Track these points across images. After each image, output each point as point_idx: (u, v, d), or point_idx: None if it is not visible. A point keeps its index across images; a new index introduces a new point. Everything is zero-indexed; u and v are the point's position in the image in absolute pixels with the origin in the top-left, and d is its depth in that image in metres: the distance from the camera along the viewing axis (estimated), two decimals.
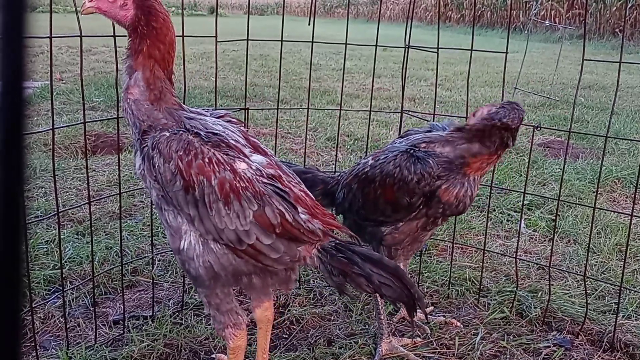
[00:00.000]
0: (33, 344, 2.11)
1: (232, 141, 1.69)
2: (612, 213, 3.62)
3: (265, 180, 1.64)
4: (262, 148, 1.78)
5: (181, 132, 1.67)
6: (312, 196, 1.77)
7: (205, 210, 1.61)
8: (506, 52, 2.51)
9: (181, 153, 1.61)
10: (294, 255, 1.69)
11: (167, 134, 1.67)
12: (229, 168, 1.62)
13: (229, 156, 1.65)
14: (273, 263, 1.68)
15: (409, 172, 2.00)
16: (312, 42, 2.57)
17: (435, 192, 2.01)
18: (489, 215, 3.43)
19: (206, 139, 1.66)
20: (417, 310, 1.73)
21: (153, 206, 2.73)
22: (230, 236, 1.62)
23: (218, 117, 1.80)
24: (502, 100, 2.59)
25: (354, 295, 2.53)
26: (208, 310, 1.81)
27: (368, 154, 2.33)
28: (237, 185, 1.60)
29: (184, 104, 2.14)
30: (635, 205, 2.60)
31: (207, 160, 1.61)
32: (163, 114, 1.71)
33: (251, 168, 1.65)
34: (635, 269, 3.01)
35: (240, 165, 1.64)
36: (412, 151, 2.05)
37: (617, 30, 17.59)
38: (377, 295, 1.89)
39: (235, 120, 1.84)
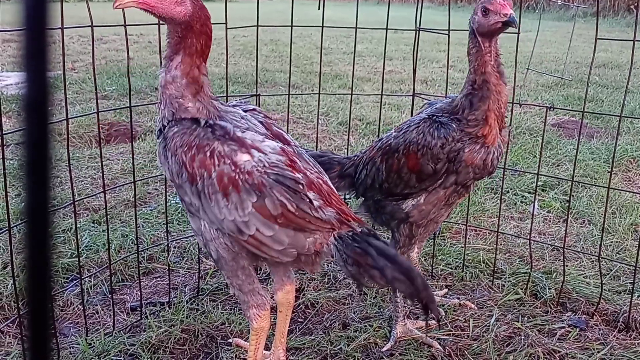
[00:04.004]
0: (53, 331, 2.15)
1: (239, 134, 1.70)
2: (627, 193, 3.59)
3: (268, 171, 1.64)
4: (284, 137, 1.80)
5: (185, 128, 1.69)
6: (331, 185, 1.77)
7: (206, 201, 1.66)
8: (518, 32, 2.48)
9: (185, 148, 1.66)
10: (302, 246, 1.70)
11: (175, 129, 1.71)
12: (229, 161, 1.64)
13: (232, 149, 1.66)
14: (278, 255, 1.70)
15: (432, 137, 2.02)
16: (322, 26, 2.57)
17: (459, 156, 2.01)
18: (503, 197, 3.42)
19: (212, 132, 1.68)
20: (430, 313, 1.69)
21: (168, 194, 2.76)
22: (230, 226, 1.65)
23: (246, 111, 1.83)
24: (514, 79, 2.57)
25: (369, 287, 2.54)
26: (232, 290, 1.85)
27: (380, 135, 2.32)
28: (236, 177, 1.62)
29: None
30: None
31: (208, 153, 1.64)
32: (199, 105, 1.72)
33: (253, 159, 1.65)
34: None
35: (242, 157, 1.65)
36: (434, 117, 2.06)
37: (632, 6, 17.29)
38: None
39: (263, 114, 1.87)
